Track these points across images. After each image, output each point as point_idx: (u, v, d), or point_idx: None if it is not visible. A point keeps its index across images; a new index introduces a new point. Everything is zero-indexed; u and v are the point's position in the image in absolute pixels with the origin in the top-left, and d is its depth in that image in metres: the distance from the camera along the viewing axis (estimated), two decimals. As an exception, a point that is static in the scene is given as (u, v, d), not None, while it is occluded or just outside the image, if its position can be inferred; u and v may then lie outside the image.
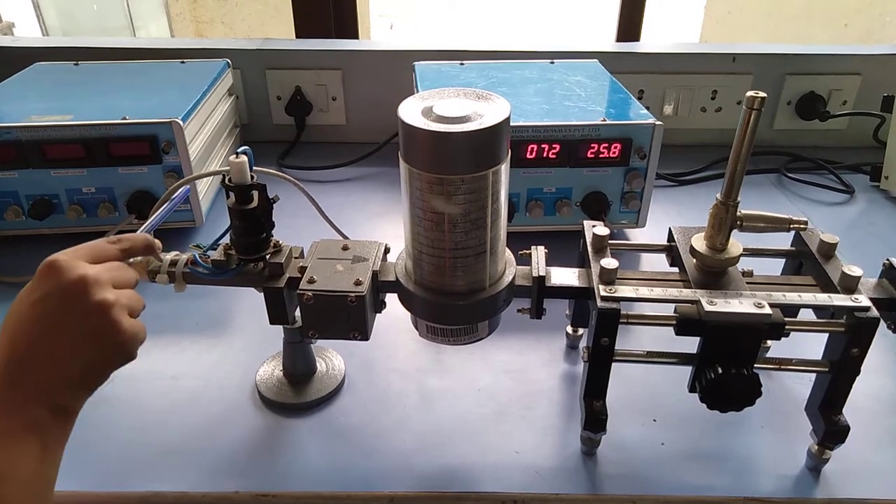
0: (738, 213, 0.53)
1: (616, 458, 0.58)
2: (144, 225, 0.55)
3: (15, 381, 0.40)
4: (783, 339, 0.52)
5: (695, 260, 0.55)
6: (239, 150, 0.53)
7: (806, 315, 0.57)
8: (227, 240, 0.58)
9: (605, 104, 0.89)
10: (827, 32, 3.85)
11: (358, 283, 0.54)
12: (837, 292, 0.53)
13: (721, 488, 0.56)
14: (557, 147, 0.82)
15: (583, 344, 0.70)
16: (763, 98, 0.47)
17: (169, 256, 0.57)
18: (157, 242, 0.53)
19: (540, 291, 0.56)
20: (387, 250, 0.60)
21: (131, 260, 0.57)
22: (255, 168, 0.55)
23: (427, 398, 0.65)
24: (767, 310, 0.50)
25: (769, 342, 0.66)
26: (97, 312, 0.42)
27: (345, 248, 0.59)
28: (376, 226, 0.95)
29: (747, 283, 0.54)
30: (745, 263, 0.56)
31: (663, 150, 0.83)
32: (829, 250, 0.56)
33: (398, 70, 1.11)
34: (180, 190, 0.58)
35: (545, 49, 1.15)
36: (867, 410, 0.63)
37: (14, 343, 0.41)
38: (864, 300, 0.51)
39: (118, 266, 0.47)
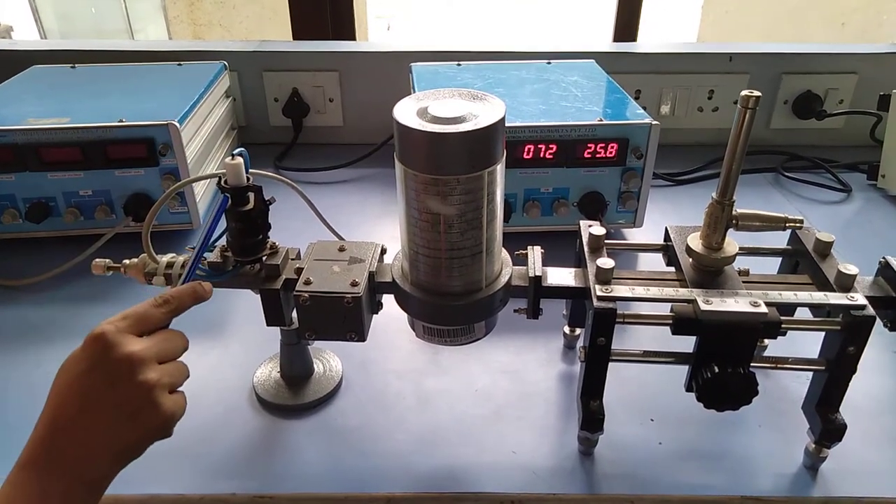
0: (733, 213, 0.53)
1: (613, 457, 0.58)
2: (184, 274, 0.53)
3: (54, 452, 0.41)
4: (779, 337, 0.52)
5: (691, 259, 0.56)
6: (235, 152, 0.54)
7: (802, 314, 0.57)
8: (223, 242, 0.57)
9: (602, 104, 0.89)
10: (824, 31, 3.86)
11: (354, 284, 0.54)
12: (833, 291, 0.53)
13: (718, 487, 0.56)
14: (554, 147, 0.82)
15: (580, 344, 0.70)
16: (758, 97, 0.47)
17: (165, 258, 0.57)
18: (206, 286, 0.52)
19: (536, 291, 0.56)
20: (383, 251, 0.60)
21: (126, 261, 0.58)
22: (250, 170, 0.55)
23: (424, 399, 0.65)
24: (764, 309, 0.50)
25: (766, 341, 0.66)
26: (139, 392, 0.43)
27: (341, 250, 0.59)
28: (373, 227, 0.95)
29: (743, 282, 0.54)
30: (741, 262, 0.56)
31: (660, 149, 0.83)
32: (825, 249, 0.56)
33: (395, 71, 1.11)
34: (209, 223, 0.55)
35: (542, 49, 1.15)
36: (864, 409, 0.63)
37: (56, 412, 0.42)
38: (860, 298, 0.51)
39: (166, 337, 0.47)
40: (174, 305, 0.49)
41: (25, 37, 3.36)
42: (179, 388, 0.47)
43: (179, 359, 0.48)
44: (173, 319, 0.49)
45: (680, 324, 0.51)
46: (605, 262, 0.54)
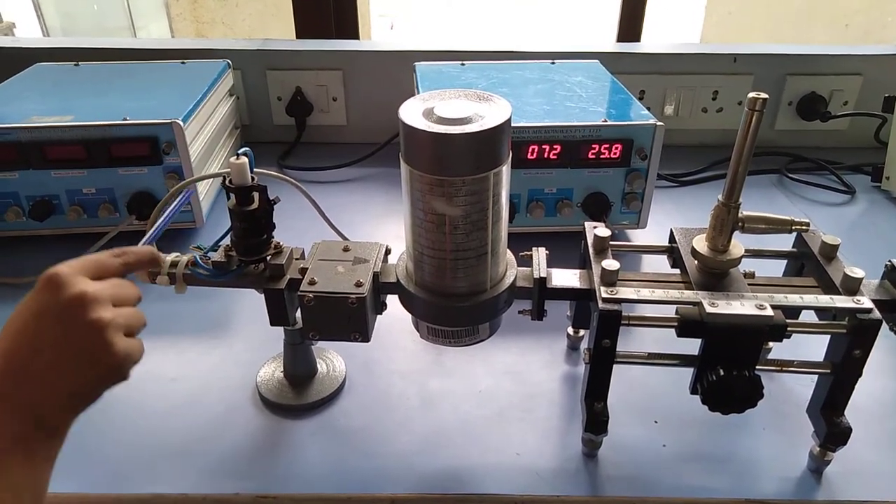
0: (739, 215, 0.53)
1: (617, 459, 0.58)
2: (147, 235, 0.54)
3: (6, 395, 0.40)
4: (785, 340, 0.52)
5: (696, 261, 0.55)
6: (239, 151, 0.53)
7: (808, 317, 0.57)
8: (227, 241, 0.57)
9: (606, 105, 0.88)
10: (827, 33, 3.85)
11: (359, 284, 0.54)
12: (839, 294, 0.52)
13: (722, 490, 0.56)
14: (558, 148, 0.82)
15: (584, 345, 0.70)
16: (765, 99, 0.47)
17: (169, 258, 0.57)
18: (161, 256, 0.53)
19: (541, 293, 0.56)
20: (387, 251, 0.59)
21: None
22: (255, 170, 0.55)
23: (428, 400, 0.65)
24: (769, 311, 0.50)
25: (771, 344, 0.66)
26: (92, 332, 0.41)
27: (346, 250, 0.59)
28: (377, 227, 0.95)
29: (749, 284, 0.54)
30: (746, 265, 0.55)
31: (664, 150, 0.83)
32: (830, 252, 0.56)
33: (399, 70, 1.11)
34: (181, 195, 0.58)
35: (546, 49, 1.15)
36: (869, 412, 0.63)
37: (8, 356, 0.40)
38: (866, 302, 0.51)
39: (120, 283, 0.45)
40: (130, 259, 0.47)
41: (28, 34, 3.36)
42: (138, 336, 0.45)
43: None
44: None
45: (685, 326, 0.51)
46: (611, 263, 0.54)
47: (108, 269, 0.45)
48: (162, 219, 0.55)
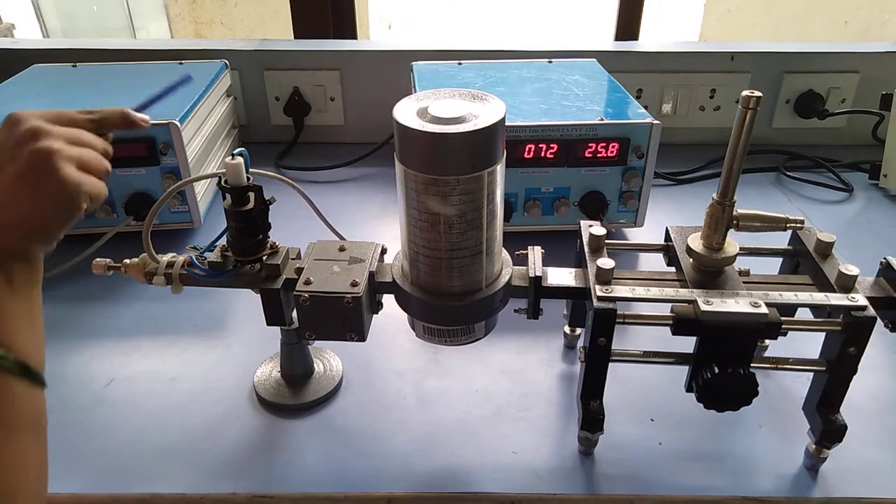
0: (734, 213, 0.53)
1: (613, 458, 0.58)
2: (142, 101, 0.54)
3: None
4: (780, 338, 0.52)
5: (691, 259, 0.55)
6: (235, 151, 0.53)
7: (803, 314, 0.57)
8: (223, 241, 0.58)
9: (603, 103, 0.89)
10: (826, 30, 3.85)
11: (354, 284, 0.54)
12: (834, 291, 0.52)
13: (719, 488, 0.56)
14: (555, 146, 0.82)
15: (580, 344, 0.70)
16: (759, 97, 0.47)
17: (166, 258, 0.57)
18: (143, 116, 0.52)
19: (537, 292, 0.56)
20: (383, 251, 0.60)
21: (126, 261, 0.58)
22: (251, 170, 0.55)
23: (425, 399, 0.65)
24: (764, 309, 0.50)
25: (766, 341, 0.66)
26: (39, 158, 0.42)
27: (341, 250, 0.59)
28: (374, 227, 0.95)
29: (744, 282, 0.54)
30: (741, 263, 0.56)
31: (661, 149, 0.83)
32: (825, 249, 0.56)
33: (396, 70, 1.11)
34: (181, 78, 0.56)
35: (543, 48, 1.15)
36: (864, 409, 0.63)
37: None
38: (860, 299, 0.51)
39: (81, 130, 0.46)
40: (97, 116, 0.49)
41: (28, 35, 3.37)
42: (98, 180, 0.46)
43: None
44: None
45: (680, 324, 0.51)
46: (606, 262, 0.54)
47: (74, 121, 0.46)
48: (161, 89, 0.54)
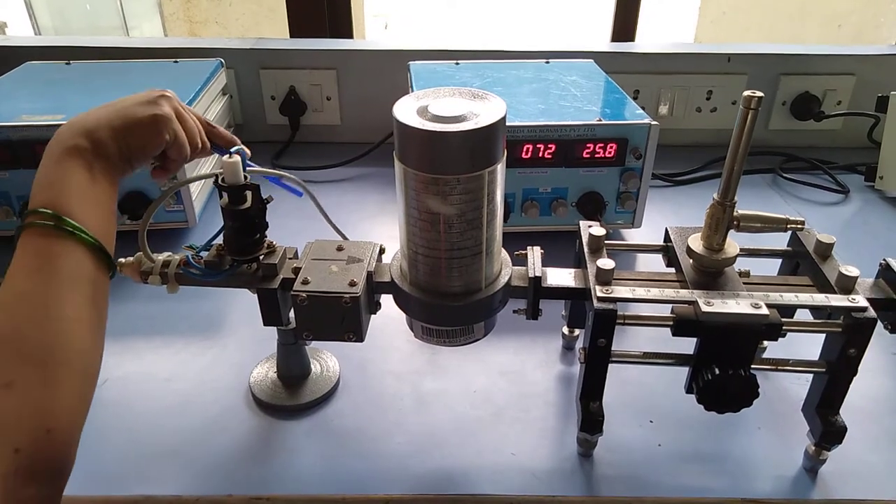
0: (735, 214, 0.53)
1: (613, 459, 0.58)
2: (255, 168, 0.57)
3: (71, 123, 0.48)
4: (780, 339, 0.52)
5: (691, 260, 0.55)
6: (232, 150, 0.53)
7: (803, 315, 0.57)
8: (220, 240, 0.57)
9: (601, 104, 0.88)
10: (820, 33, 3.87)
11: (352, 284, 0.54)
12: (834, 293, 0.52)
13: (718, 489, 0.56)
14: (553, 147, 0.81)
15: (579, 345, 0.69)
16: (760, 98, 0.47)
17: (161, 257, 0.57)
18: (245, 149, 0.58)
19: (536, 292, 0.56)
20: (382, 251, 0.59)
21: (122, 260, 0.57)
22: (260, 168, 0.54)
23: (423, 400, 0.64)
24: (764, 310, 0.50)
25: (766, 343, 0.66)
26: (152, 95, 0.52)
27: (339, 249, 0.58)
28: (371, 226, 0.95)
29: (744, 283, 0.54)
30: (741, 264, 0.55)
31: (659, 150, 0.83)
32: (825, 250, 0.56)
33: (393, 70, 1.10)
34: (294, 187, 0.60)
35: (540, 49, 1.15)
36: (864, 411, 0.63)
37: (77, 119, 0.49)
38: (861, 300, 0.51)
39: (195, 114, 0.56)
40: (214, 124, 0.59)
41: (20, 33, 3.34)
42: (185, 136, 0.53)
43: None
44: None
45: (680, 325, 0.51)
46: (606, 262, 0.54)
47: (195, 114, 0.57)
48: (275, 175, 0.59)
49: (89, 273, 0.44)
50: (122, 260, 0.57)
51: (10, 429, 0.37)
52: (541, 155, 0.82)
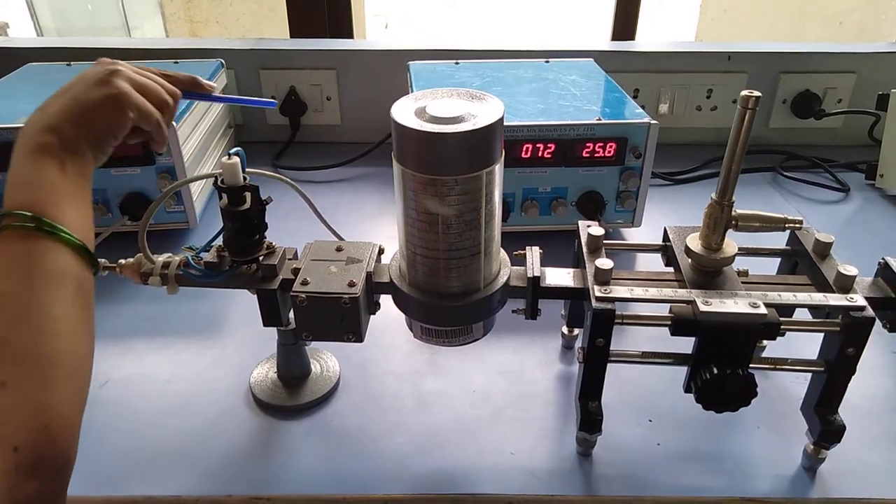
0: (733, 213, 0.53)
1: (612, 458, 0.58)
2: (220, 95, 0.62)
3: (31, 121, 0.48)
4: (778, 338, 0.52)
5: (690, 260, 0.55)
6: (231, 151, 0.53)
7: (801, 315, 0.57)
8: (219, 241, 0.57)
9: (601, 103, 0.88)
10: (821, 31, 3.86)
11: (352, 284, 0.54)
12: (833, 292, 0.52)
13: (717, 489, 0.56)
14: (552, 146, 0.81)
15: (578, 344, 0.69)
16: (758, 97, 0.47)
17: (161, 258, 0.57)
18: (211, 83, 0.60)
19: (535, 292, 0.56)
20: (381, 251, 0.59)
21: (122, 261, 0.57)
22: (247, 169, 0.54)
23: (422, 400, 0.64)
24: (763, 310, 0.50)
25: (764, 342, 0.66)
26: (103, 73, 0.50)
27: (339, 250, 0.58)
28: (370, 226, 0.95)
29: (743, 282, 0.54)
30: (739, 263, 0.55)
31: (658, 149, 0.83)
32: (824, 250, 0.56)
33: (393, 70, 1.10)
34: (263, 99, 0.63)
35: (540, 48, 1.15)
36: (863, 410, 0.63)
37: (46, 101, 0.49)
38: (859, 300, 0.51)
39: (149, 71, 0.56)
40: (170, 71, 0.59)
41: (22, 34, 3.35)
42: (148, 102, 0.52)
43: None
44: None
45: (679, 325, 0.51)
46: (604, 262, 0.54)
47: (148, 69, 0.56)
48: (243, 98, 0.63)
49: (73, 272, 0.44)
50: (122, 261, 0.58)
51: (8, 427, 0.37)
52: (540, 154, 0.82)
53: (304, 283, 0.54)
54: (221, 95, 0.61)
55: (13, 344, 0.40)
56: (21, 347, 0.40)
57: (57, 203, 0.45)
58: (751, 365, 0.52)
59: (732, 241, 0.55)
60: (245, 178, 0.54)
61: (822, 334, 0.54)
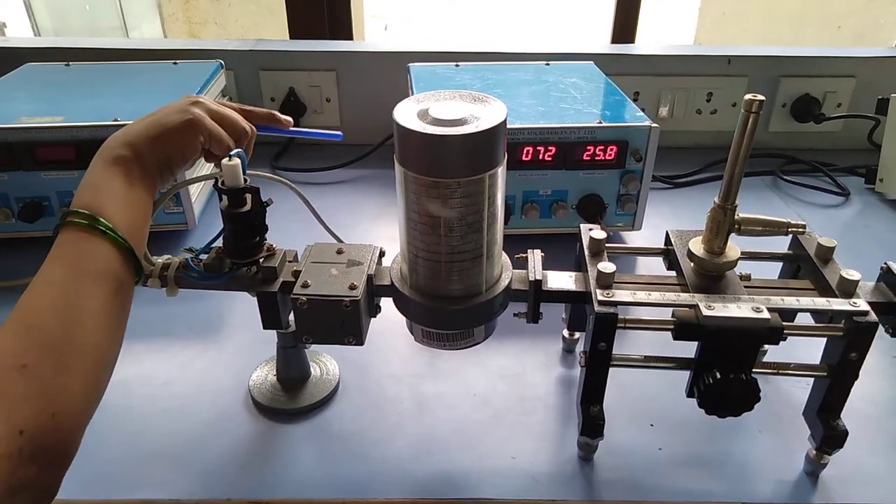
0: (736, 217, 0.53)
1: (613, 463, 0.58)
2: (295, 130, 0.64)
3: (113, 136, 0.53)
4: (781, 343, 0.51)
5: (692, 264, 0.55)
6: (232, 152, 0.53)
7: (804, 319, 0.57)
8: (219, 243, 0.57)
9: (601, 106, 0.88)
10: (819, 35, 3.87)
11: (353, 287, 0.54)
12: (836, 296, 0.52)
13: (719, 493, 0.56)
14: (553, 149, 0.81)
15: (579, 348, 0.69)
16: (761, 101, 0.47)
17: (161, 260, 0.57)
18: (286, 118, 0.64)
19: (536, 295, 0.56)
20: (382, 254, 0.59)
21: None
22: (247, 171, 0.54)
23: (422, 403, 0.64)
24: (766, 314, 0.50)
25: (767, 346, 0.66)
26: (184, 102, 0.55)
27: (339, 252, 0.58)
28: (370, 228, 0.95)
29: (745, 286, 0.54)
30: (742, 267, 0.55)
31: (659, 151, 0.83)
32: (826, 254, 0.56)
33: (393, 71, 1.10)
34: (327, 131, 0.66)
35: (540, 51, 1.15)
36: (865, 415, 0.63)
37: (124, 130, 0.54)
38: (862, 304, 0.51)
39: (228, 106, 0.59)
40: (247, 106, 0.63)
41: (19, 34, 3.34)
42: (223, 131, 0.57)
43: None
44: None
45: (682, 329, 0.51)
46: (607, 266, 0.53)
47: (228, 106, 0.59)
48: (312, 130, 0.66)
49: (116, 271, 0.46)
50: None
51: (18, 411, 0.37)
52: (541, 157, 0.82)
53: (305, 285, 0.54)
54: (294, 129, 0.64)
55: (45, 330, 0.41)
56: (51, 334, 0.41)
57: (115, 208, 0.48)
58: (753, 369, 0.51)
59: (735, 245, 0.54)
60: (246, 180, 0.53)
61: (824, 339, 0.54)
